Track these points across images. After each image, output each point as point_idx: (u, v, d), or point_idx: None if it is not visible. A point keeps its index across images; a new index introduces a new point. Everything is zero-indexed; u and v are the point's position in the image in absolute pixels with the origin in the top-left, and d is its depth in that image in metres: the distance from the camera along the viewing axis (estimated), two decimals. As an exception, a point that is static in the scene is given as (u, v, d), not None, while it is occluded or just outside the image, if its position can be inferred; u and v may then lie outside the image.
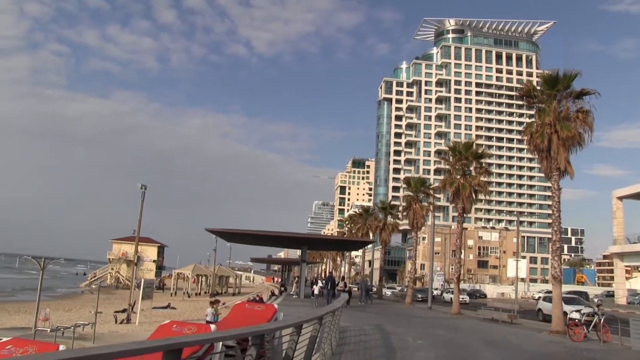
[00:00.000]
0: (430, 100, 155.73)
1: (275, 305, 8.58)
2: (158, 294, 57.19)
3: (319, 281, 39.57)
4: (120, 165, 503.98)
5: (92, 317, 26.57)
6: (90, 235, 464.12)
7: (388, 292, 64.14)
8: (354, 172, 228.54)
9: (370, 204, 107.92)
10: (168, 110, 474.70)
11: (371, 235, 60.27)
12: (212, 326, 5.62)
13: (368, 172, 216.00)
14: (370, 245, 67.00)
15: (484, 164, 36.52)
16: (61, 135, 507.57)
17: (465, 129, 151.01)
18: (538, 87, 24.79)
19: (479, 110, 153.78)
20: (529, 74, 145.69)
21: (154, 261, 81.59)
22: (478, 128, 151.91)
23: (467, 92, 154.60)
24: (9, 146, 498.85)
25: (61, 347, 3.74)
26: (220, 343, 5.15)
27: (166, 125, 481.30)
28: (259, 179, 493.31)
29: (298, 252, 49.09)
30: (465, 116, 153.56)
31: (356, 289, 58.28)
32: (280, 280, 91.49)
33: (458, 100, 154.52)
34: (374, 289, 59.96)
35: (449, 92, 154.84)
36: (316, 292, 34.54)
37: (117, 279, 79.43)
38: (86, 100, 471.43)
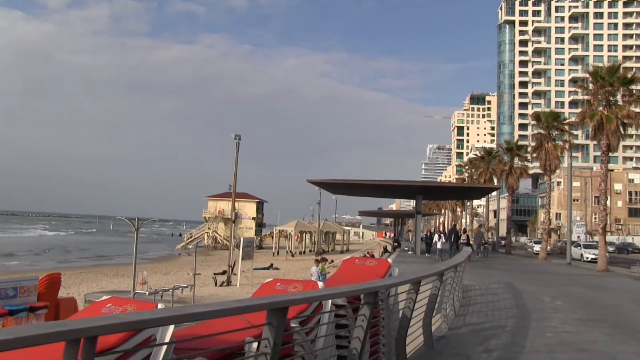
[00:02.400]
0: (562, 19, 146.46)
1: (389, 260, 8.59)
2: (259, 254, 59.67)
3: (437, 234, 39.48)
4: (210, 116, 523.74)
5: (191, 279, 28.19)
6: (184, 194, 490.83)
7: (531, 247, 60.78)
8: (473, 109, 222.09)
9: (493, 145, 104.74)
10: (259, 51, 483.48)
11: (495, 181, 58.92)
12: (320, 283, 5.69)
13: (489, 109, 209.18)
14: (494, 193, 65.46)
15: (634, 91, 34.13)
16: (146, 87, 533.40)
17: (609, 51, 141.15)
18: None
19: (627, 26, 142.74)
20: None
21: (253, 218, 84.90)
22: (626, 48, 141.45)
23: (612, 4, 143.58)
24: (93, 102, 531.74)
25: (160, 306, 3.91)
26: (329, 301, 5.20)
27: (258, 69, 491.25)
28: (364, 121, 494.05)
29: (412, 202, 48.86)
30: (609, 34, 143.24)
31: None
32: (392, 234, 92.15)
33: (599, 15, 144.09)
34: (502, 243, 58.77)
35: (587, 6, 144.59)
36: (439, 246, 34.60)
37: (215, 239, 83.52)
38: (170, 48, 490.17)
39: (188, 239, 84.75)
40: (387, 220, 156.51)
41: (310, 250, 70.94)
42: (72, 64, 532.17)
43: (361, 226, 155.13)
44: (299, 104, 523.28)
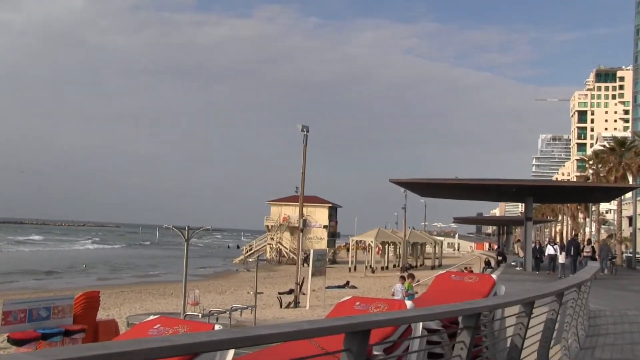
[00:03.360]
0: None
1: (494, 277, 8.47)
2: (332, 270, 59.91)
3: (551, 246, 38.71)
4: (270, 104, 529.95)
5: (251, 299, 28.59)
6: (242, 198, 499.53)
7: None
8: (599, 88, 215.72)
9: (627, 133, 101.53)
10: (329, 25, 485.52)
11: (631, 179, 57.24)
12: (409, 303, 5.69)
13: (622, 88, 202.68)
14: (629, 195, 63.52)
15: None
16: (194, 71, 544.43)
17: None
18: None
19: None
20: None
21: (325, 227, 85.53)
22: None
23: None
24: (134, 90, 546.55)
25: (217, 327, 4.00)
26: (420, 325, 5.19)
27: (327, 46, 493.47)
28: (460, 108, 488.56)
29: (520, 207, 47.82)
30: None
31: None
32: (496, 246, 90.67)
33: None
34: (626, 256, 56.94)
35: None
36: (561, 260, 33.91)
37: (279, 251, 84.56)
38: (222, 23, 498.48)
39: (247, 252, 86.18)
40: (489, 229, 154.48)
41: (394, 265, 70.81)
42: (106, 46, 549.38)
43: (456, 236, 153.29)
44: (377, 88, 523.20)
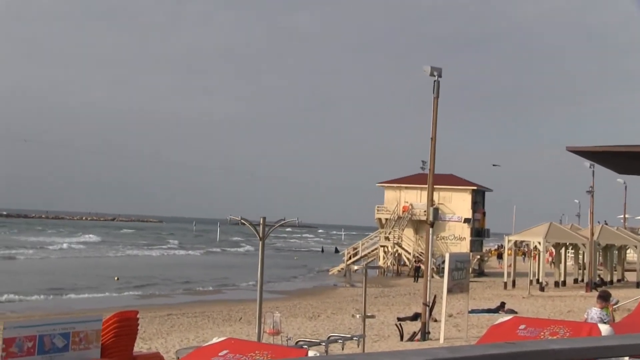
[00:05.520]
0: None
1: None
2: (478, 285, 59.61)
3: None
4: (380, 40, 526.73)
5: (358, 326, 28.71)
6: (340, 180, 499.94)
7: None
8: None
9: None
10: None
11: None
12: (604, 327, 5.58)
13: None
14: None
15: None
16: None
17: None
18: None
19: None
20: None
21: (467, 220, 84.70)
22: None
23: None
24: (177, 27, 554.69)
25: (311, 353, 4.03)
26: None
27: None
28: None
29: None
30: None
31: None
32: None
33: None
34: None
35: None
36: None
37: (398, 256, 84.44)
38: None
39: (350, 257, 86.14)
40: None
41: (575, 280, 69.58)
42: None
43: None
44: (548, 5, 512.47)
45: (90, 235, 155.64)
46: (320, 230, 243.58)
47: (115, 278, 69.63)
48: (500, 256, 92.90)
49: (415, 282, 69.98)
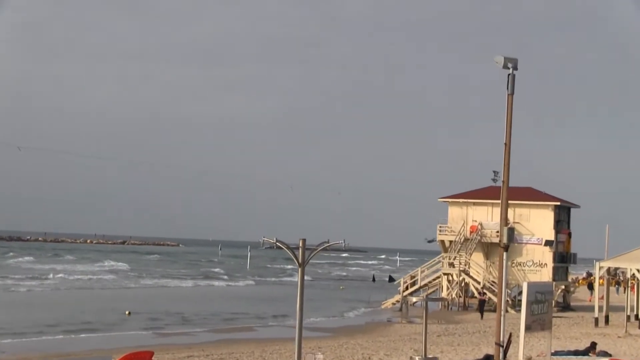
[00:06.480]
0: None
1: None
2: (563, 321, 59.17)
3: None
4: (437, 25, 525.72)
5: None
6: (393, 195, 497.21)
7: None
8: None
9: None
10: None
11: None
12: None
13: None
14: None
15: None
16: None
17: None
18: None
19: None
20: None
21: (549, 243, 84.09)
22: None
23: None
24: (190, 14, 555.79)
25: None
26: None
27: None
28: None
29: None
30: None
31: None
32: None
33: None
34: None
35: None
36: None
37: (464, 286, 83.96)
38: None
39: (407, 288, 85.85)
40: None
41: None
42: None
43: None
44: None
45: (118, 263, 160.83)
46: (369, 253, 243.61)
47: (127, 313, 70.04)
48: (590, 286, 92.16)
49: (482, 319, 69.40)
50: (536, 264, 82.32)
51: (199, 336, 57.64)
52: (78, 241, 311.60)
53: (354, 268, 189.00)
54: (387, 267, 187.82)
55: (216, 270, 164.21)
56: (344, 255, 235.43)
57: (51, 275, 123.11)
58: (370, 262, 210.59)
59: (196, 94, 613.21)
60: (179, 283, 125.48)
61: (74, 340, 52.29)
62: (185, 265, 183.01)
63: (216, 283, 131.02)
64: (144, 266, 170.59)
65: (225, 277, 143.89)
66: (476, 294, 77.49)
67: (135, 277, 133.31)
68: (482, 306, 72.64)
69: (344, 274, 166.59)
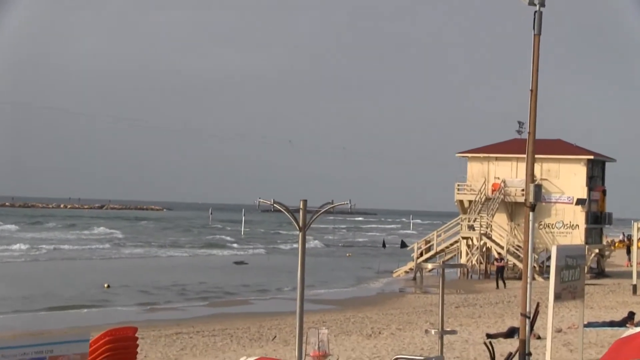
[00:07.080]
0: None
1: None
2: (596, 289, 59.15)
3: None
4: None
5: (432, 346, 28.75)
6: (405, 149, 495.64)
7: None
8: None
9: None
10: None
11: None
12: None
13: None
14: None
15: None
16: None
17: None
18: None
19: None
20: None
21: (580, 202, 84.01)
22: None
23: None
24: None
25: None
26: None
27: None
28: None
29: None
30: None
31: None
32: None
33: None
34: None
35: None
36: None
37: (486, 251, 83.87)
38: None
39: (421, 254, 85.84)
40: None
41: None
42: None
43: None
44: None
45: (110, 231, 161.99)
46: (379, 216, 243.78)
47: (105, 285, 70.14)
48: (627, 250, 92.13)
49: (498, 289, 69.12)
50: (566, 226, 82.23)
51: (190, 310, 57.64)
52: (51, 206, 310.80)
53: (363, 233, 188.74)
54: (399, 231, 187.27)
55: (224, 237, 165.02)
56: (358, 219, 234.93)
57: (44, 246, 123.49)
58: (380, 227, 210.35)
59: (186, 46, 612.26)
60: (183, 252, 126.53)
61: (51, 317, 52.43)
62: (183, 232, 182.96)
63: (225, 252, 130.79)
64: (138, 234, 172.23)
65: (235, 245, 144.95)
66: (494, 260, 76.95)
67: (132, 246, 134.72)
68: (501, 273, 72.09)
69: (351, 239, 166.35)
